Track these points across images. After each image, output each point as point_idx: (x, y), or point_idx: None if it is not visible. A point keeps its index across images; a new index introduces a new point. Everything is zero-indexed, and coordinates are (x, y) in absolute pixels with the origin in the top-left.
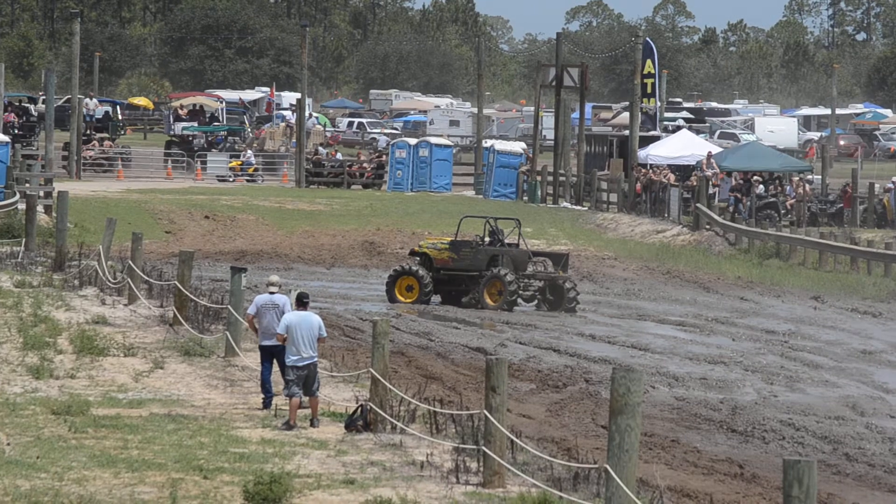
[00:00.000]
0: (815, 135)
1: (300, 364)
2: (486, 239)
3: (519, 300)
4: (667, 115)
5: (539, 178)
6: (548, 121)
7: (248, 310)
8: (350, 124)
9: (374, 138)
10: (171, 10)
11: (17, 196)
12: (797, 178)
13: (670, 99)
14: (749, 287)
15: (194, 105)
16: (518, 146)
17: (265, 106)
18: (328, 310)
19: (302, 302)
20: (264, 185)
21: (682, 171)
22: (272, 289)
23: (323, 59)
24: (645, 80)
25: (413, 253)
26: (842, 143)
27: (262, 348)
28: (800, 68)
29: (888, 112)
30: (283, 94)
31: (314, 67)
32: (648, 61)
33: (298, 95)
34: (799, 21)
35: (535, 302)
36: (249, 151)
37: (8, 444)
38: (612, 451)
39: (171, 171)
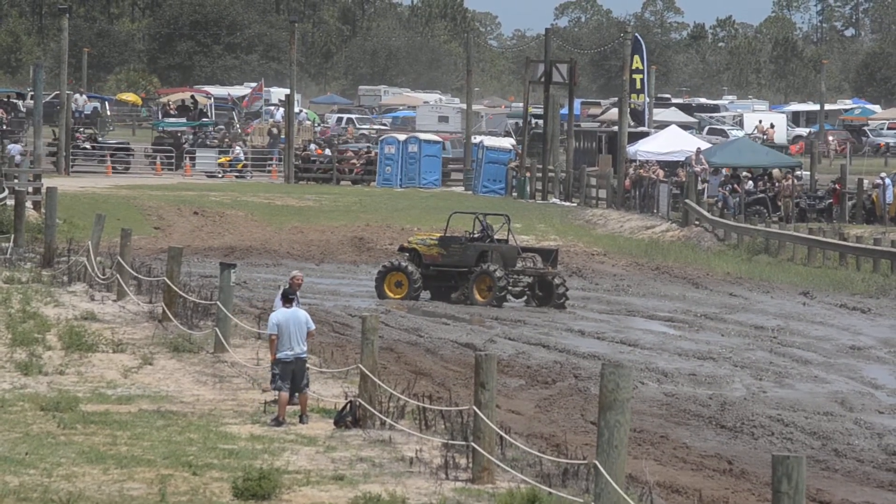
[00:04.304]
0: (803, 131)
1: (288, 359)
2: (476, 235)
3: (508, 296)
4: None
5: (528, 174)
6: None
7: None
8: (339, 120)
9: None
10: (160, 6)
11: (6, 192)
12: (776, 171)
13: (659, 95)
14: (738, 283)
15: (183, 101)
16: (507, 142)
17: (244, 101)
18: (317, 306)
19: (288, 299)
20: (253, 182)
21: (671, 167)
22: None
23: (312, 54)
24: (633, 76)
25: (402, 249)
26: (830, 138)
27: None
28: (788, 64)
29: (877, 108)
30: (271, 89)
31: (303, 63)
32: (637, 57)
33: (287, 91)
34: (787, 17)
35: (525, 298)
36: (238, 147)
37: None
38: (602, 446)
39: (160, 166)
